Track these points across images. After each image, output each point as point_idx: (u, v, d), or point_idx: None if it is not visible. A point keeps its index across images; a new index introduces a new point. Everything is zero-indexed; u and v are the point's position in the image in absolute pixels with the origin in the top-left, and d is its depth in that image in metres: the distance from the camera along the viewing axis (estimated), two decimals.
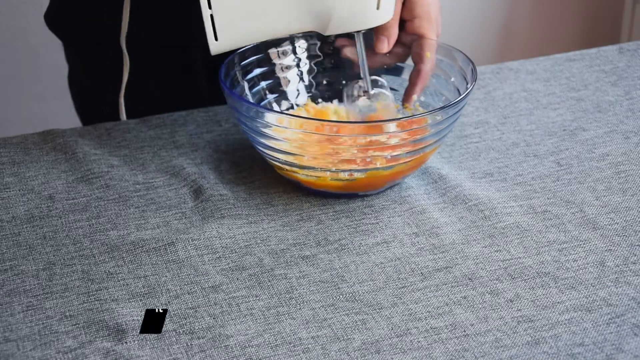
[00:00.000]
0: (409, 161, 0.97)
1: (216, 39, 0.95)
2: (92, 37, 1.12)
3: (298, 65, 1.10)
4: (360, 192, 1.00)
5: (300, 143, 0.95)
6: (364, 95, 1.04)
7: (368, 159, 0.95)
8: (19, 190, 1.01)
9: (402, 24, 1.04)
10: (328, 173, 0.96)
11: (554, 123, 1.13)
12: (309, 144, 0.95)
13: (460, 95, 1.00)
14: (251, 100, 1.05)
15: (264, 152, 0.99)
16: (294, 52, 1.09)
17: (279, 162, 0.98)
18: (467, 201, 0.99)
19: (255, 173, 1.04)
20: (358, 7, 0.97)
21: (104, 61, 1.13)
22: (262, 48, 1.06)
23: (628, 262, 0.91)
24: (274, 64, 1.08)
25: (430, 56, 1.03)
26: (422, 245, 0.93)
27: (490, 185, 1.02)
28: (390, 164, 0.96)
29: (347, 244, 0.94)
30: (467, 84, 1.00)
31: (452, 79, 1.04)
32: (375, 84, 1.05)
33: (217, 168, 1.05)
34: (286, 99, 1.09)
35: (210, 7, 0.94)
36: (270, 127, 0.95)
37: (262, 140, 0.97)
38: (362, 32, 1.00)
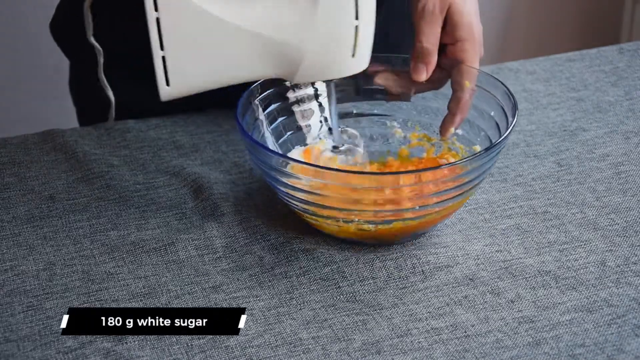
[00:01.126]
0: (440, 210, 0.90)
1: (167, 83, 0.86)
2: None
3: (317, 97, 1.01)
4: (396, 240, 0.93)
5: (324, 195, 0.88)
6: (332, 150, 0.96)
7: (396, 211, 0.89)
8: (20, 191, 1.01)
9: (442, 47, 0.96)
10: (352, 223, 0.90)
11: (554, 123, 1.13)
12: (331, 193, 0.88)
13: (499, 133, 0.93)
14: (271, 140, 0.98)
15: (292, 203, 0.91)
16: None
17: (308, 213, 0.91)
18: (467, 202, 0.99)
19: (255, 173, 1.04)
20: (331, 54, 0.87)
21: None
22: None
23: (629, 262, 0.91)
24: (288, 98, 1.00)
25: (470, 85, 0.95)
26: (422, 246, 0.93)
27: (491, 186, 1.02)
28: (420, 215, 0.90)
29: (347, 246, 0.94)
30: (506, 120, 0.93)
31: (492, 113, 0.96)
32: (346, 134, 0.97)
33: (217, 168, 1.05)
34: (302, 136, 1.00)
35: (162, 48, 0.85)
36: (299, 177, 0.89)
37: (287, 191, 0.90)
38: (334, 81, 0.92)
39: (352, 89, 1.02)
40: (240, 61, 0.87)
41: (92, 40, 1.08)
